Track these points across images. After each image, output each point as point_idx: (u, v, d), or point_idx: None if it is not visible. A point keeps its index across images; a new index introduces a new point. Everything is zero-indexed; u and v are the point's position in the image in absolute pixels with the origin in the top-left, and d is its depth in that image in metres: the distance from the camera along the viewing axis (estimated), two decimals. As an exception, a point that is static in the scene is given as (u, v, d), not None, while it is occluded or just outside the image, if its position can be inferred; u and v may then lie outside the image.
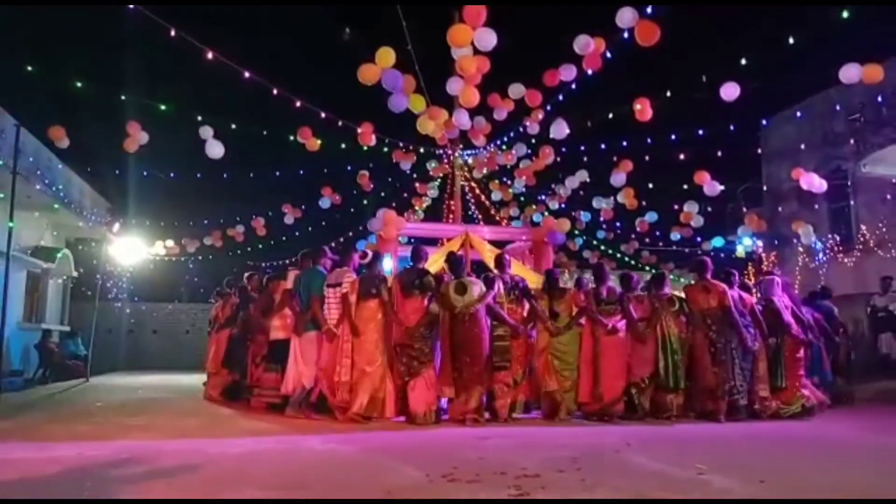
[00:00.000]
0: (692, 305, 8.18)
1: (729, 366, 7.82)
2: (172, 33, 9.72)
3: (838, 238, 16.20)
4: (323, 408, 7.69)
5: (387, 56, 10.33)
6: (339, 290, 7.69)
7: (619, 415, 7.73)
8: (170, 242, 16.53)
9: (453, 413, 7.35)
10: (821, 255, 15.86)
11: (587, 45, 10.45)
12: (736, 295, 8.21)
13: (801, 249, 16.10)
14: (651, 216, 16.09)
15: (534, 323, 7.90)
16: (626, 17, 9.73)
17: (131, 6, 9.34)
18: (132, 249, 15.07)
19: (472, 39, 9.87)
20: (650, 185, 15.68)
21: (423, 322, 7.40)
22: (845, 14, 9.90)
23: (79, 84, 11.23)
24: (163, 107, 12.06)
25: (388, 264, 8.55)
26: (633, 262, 17.62)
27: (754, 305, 8.35)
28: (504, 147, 14.70)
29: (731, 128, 14.47)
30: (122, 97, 11.89)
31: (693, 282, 8.63)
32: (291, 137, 13.07)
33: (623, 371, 7.80)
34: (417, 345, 7.31)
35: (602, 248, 17.61)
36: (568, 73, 11.41)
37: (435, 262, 9.69)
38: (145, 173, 14.89)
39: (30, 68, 10.63)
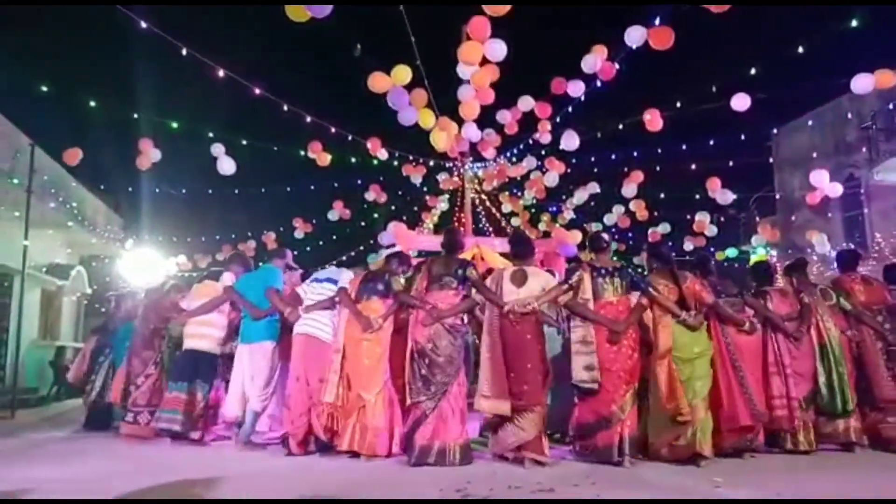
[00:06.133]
0: (854, 299, 6.47)
1: None
2: (184, 52, 9.76)
3: (853, 246, 16.05)
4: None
5: (403, 74, 10.37)
6: (326, 286, 6.17)
7: (755, 447, 5.68)
8: (182, 258, 16.60)
9: (500, 445, 5.35)
10: (835, 263, 15.69)
11: (595, 63, 10.44)
12: None
13: (815, 258, 15.93)
14: (663, 226, 16.01)
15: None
16: (634, 35, 9.67)
17: (144, 25, 9.41)
18: (145, 266, 15.13)
19: (483, 53, 9.91)
20: (662, 196, 15.65)
21: (456, 309, 5.54)
22: (854, 23, 9.86)
23: (92, 103, 11.31)
24: (175, 124, 12.12)
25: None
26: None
27: None
28: (514, 159, 14.69)
29: (742, 137, 14.42)
30: (135, 115, 11.95)
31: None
32: (302, 152, 13.11)
33: (761, 385, 5.84)
34: (444, 344, 5.40)
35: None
36: (576, 86, 11.38)
37: None
38: (157, 190, 15.01)
39: (44, 88, 10.73)
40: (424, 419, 5.30)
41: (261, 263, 7.59)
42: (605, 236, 6.16)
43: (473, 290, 5.67)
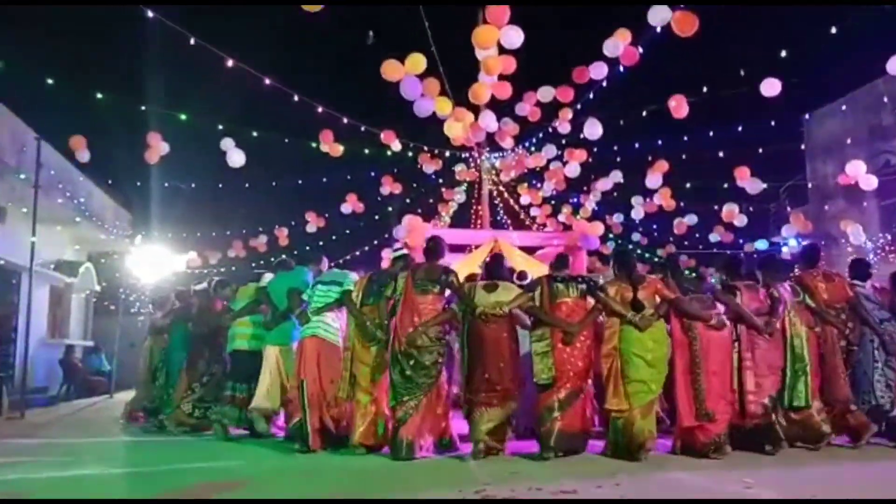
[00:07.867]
0: (817, 297, 6.40)
1: (870, 372, 6.23)
2: (192, 41, 9.61)
3: (889, 237, 15.58)
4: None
5: (417, 62, 10.22)
6: (332, 288, 6.39)
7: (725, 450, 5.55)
8: (192, 254, 16.37)
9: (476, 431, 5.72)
10: (871, 255, 15.15)
11: (616, 47, 10.26)
12: (868, 286, 6.68)
13: (849, 250, 15.38)
14: (690, 217, 15.57)
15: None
16: (658, 15, 9.48)
17: (151, 14, 9.20)
18: (154, 262, 14.91)
19: (499, 39, 9.72)
20: (688, 186, 15.24)
21: (438, 320, 5.86)
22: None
23: (99, 96, 11.17)
24: (183, 116, 11.94)
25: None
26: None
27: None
28: (533, 149, 14.30)
29: (773, 123, 14.03)
30: (143, 108, 11.81)
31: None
32: (314, 144, 12.91)
33: (730, 385, 5.80)
34: (425, 347, 5.71)
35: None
36: (599, 70, 11.06)
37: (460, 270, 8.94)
38: (166, 184, 14.84)
39: (50, 81, 10.55)
40: (407, 417, 5.62)
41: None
42: (570, 257, 6.87)
43: (453, 297, 6.12)
